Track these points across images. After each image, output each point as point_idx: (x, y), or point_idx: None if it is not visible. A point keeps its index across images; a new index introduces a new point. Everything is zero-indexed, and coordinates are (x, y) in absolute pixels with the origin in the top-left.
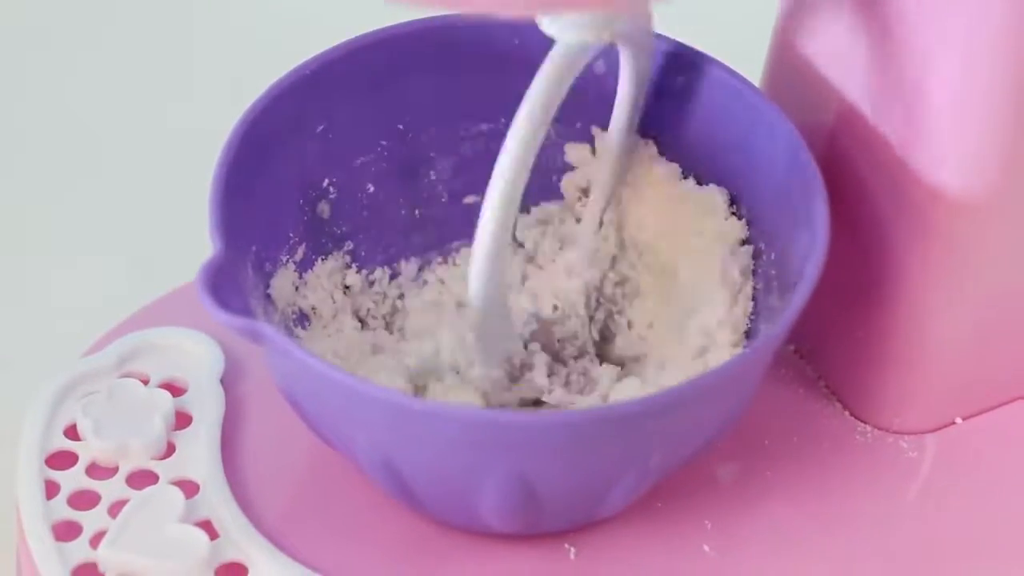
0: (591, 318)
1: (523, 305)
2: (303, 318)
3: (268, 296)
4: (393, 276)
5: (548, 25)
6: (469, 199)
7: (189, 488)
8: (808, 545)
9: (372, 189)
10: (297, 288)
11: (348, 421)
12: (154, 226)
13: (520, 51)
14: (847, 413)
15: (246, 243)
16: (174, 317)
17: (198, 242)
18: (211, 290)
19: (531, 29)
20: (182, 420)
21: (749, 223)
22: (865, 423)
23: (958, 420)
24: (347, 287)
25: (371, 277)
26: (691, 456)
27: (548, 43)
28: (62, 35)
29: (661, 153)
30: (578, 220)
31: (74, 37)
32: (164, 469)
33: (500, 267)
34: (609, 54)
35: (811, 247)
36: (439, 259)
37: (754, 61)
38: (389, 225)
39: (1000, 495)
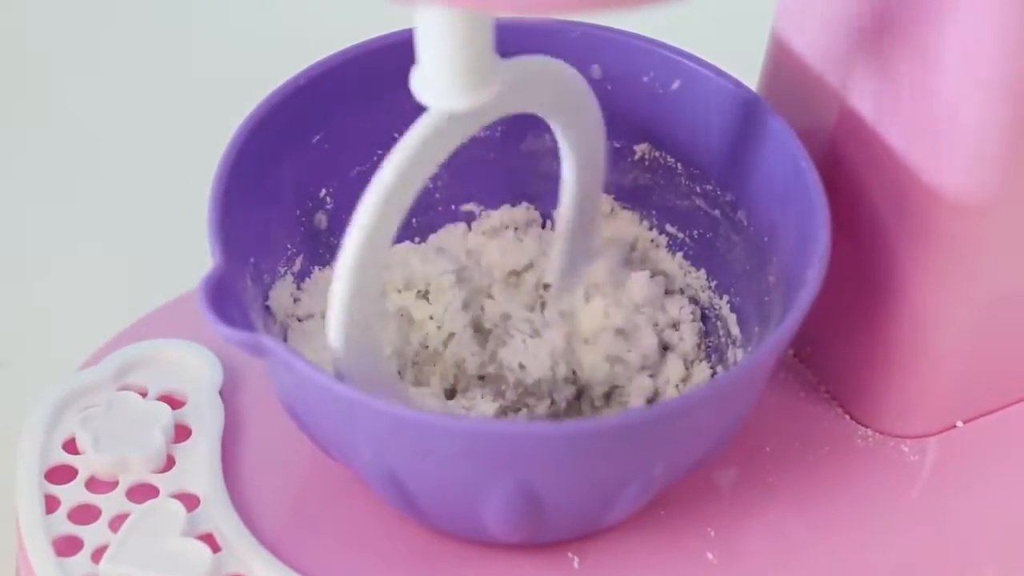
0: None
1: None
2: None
3: (267, 308)
4: None
5: (419, 92)
6: (466, 207)
7: (190, 501)
8: (811, 550)
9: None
10: (296, 299)
11: (351, 433)
12: (150, 236)
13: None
14: (848, 417)
15: (244, 255)
16: (171, 328)
17: (194, 252)
18: (212, 304)
19: (525, 35)
20: (181, 433)
21: (750, 225)
22: (866, 427)
23: (959, 423)
24: None
25: None
26: (695, 464)
27: (540, 48)
28: (61, 47)
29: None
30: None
31: (73, 51)
32: (164, 482)
33: (358, 314)
34: (608, 63)
35: (812, 253)
36: None
37: (751, 63)
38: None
39: (1002, 498)
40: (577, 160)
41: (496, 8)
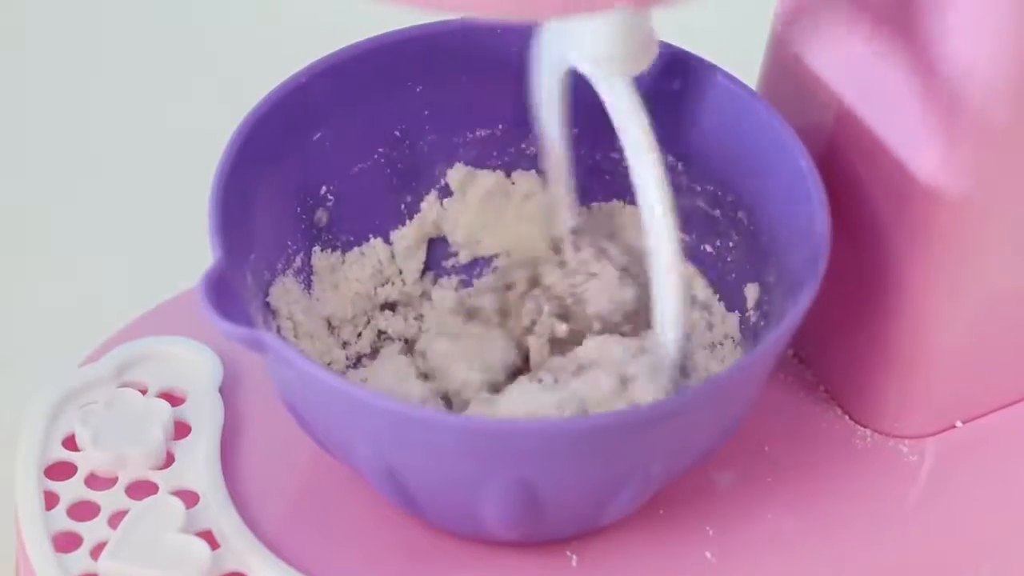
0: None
1: None
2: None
3: (267, 304)
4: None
5: (603, 65)
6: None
7: (189, 498)
8: (809, 550)
9: (370, 196)
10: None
11: (350, 430)
12: (150, 233)
13: (518, 57)
14: (847, 417)
15: (245, 252)
16: (171, 326)
17: (194, 249)
18: (213, 300)
19: (528, 33)
20: (181, 430)
21: (751, 225)
22: (865, 427)
23: (958, 423)
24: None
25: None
26: (693, 463)
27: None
28: (61, 46)
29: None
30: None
31: (73, 50)
32: (164, 479)
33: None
34: None
35: (812, 253)
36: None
37: (751, 63)
38: (387, 232)
39: (1001, 498)
40: None
41: (500, 13)
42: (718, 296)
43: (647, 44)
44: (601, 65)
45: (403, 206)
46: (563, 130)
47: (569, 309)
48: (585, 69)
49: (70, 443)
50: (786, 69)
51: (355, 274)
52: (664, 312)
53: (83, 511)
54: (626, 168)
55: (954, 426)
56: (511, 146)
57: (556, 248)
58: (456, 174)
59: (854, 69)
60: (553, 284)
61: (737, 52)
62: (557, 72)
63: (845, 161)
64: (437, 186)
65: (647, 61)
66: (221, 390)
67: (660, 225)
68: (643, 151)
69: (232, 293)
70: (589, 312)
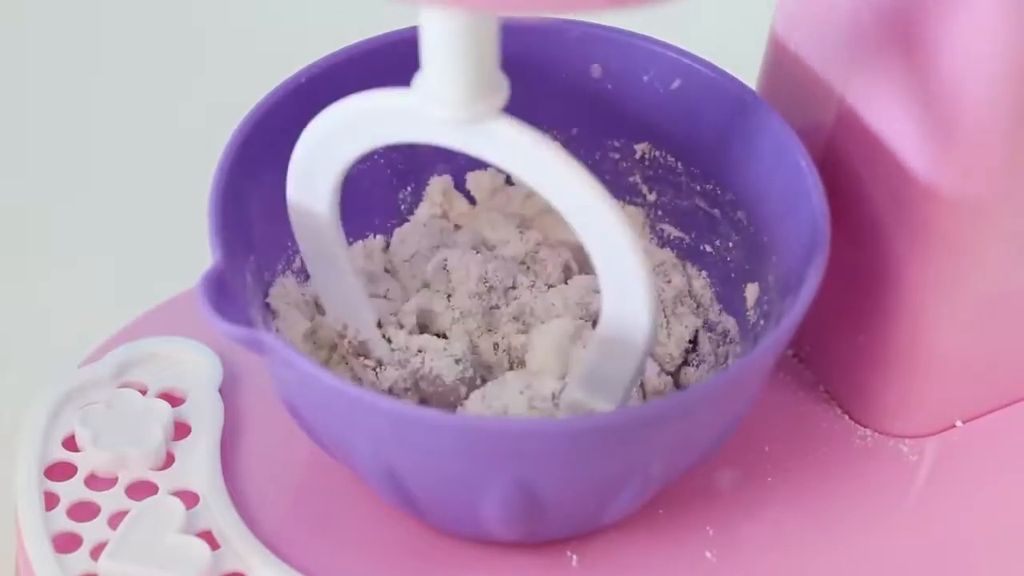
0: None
1: None
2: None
3: (267, 305)
4: None
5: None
6: None
7: (189, 498)
8: (810, 549)
9: (369, 197)
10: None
11: (349, 430)
12: (150, 234)
13: (514, 57)
14: (847, 417)
15: (244, 252)
16: (171, 326)
17: (194, 250)
18: (213, 301)
19: (524, 33)
20: (181, 430)
21: (750, 225)
22: (865, 427)
23: (958, 423)
24: None
25: None
26: (694, 463)
27: (540, 48)
28: (61, 47)
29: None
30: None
31: (72, 50)
32: (164, 479)
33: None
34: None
35: (812, 252)
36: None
37: (750, 63)
38: (386, 233)
39: (1000, 497)
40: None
41: (497, 8)
42: (717, 296)
43: (499, 76)
44: (467, 110)
45: (402, 207)
46: (338, 225)
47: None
48: (432, 133)
49: (70, 443)
50: (785, 69)
51: None
52: (636, 319)
53: (83, 511)
54: (626, 168)
55: (954, 426)
56: None
57: (363, 354)
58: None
59: (853, 70)
60: (395, 383)
61: (736, 52)
62: (342, 165)
63: (844, 161)
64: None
65: (505, 95)
66: (221, 390)
67: (621, 239)
68: (569, 174)
69: (232, 294)
70: (448, 383)
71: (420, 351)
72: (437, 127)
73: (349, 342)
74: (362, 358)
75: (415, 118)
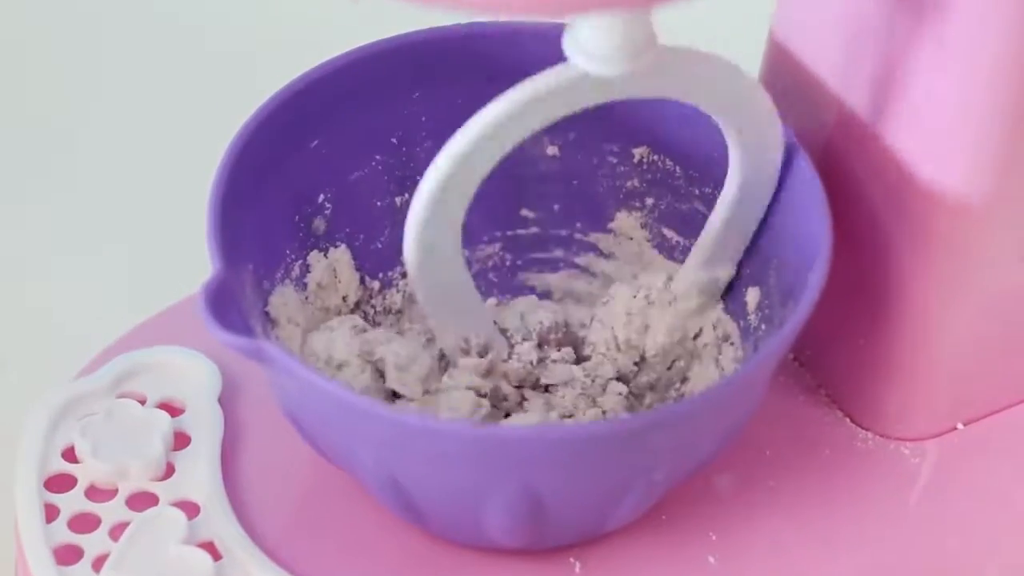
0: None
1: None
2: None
3: (267, 314)
4: (389, 289)
5: (569, 49)
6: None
7: (190, 509)
8: (812, 553)
9: (367, 204)
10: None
11: (353, 438)
12: (146, 243)
13: (514, 63)
14: (848, 420)
15: (244, 261)
16: (169, 336)
17: (191, 259)
18: (213, 310)
19: (525, 40)
20: (181, 440)
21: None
22: (866, 430)
23: (959, 425)
24: (344, 299)
25: (368, 291)
26: (696, 468)
27: (537, 51)
28: (61, 49)
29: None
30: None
31: (72, 56)
32: (164, 490)
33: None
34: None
35: (814, 257)
36: None
37: (749, 65)
38: (384, 240)
39: (1003, 499)
40: (743, 161)
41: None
42: (718, 299)
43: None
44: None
45: (398, 215)
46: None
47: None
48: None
49: (69, 455)
50: (784, 72)
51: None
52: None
53: (84, 523)
54: (624, 172)
55: (955, 428)
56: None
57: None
58: None
59: (853, 72)
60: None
61: (735, 54)
62: (467, 199)
63: (844, 164)
64: None
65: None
66: (220, 400)
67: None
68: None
69: (232, 303)
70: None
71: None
72: (600, 88)
73: (479, 354)
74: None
75: (575, 90)
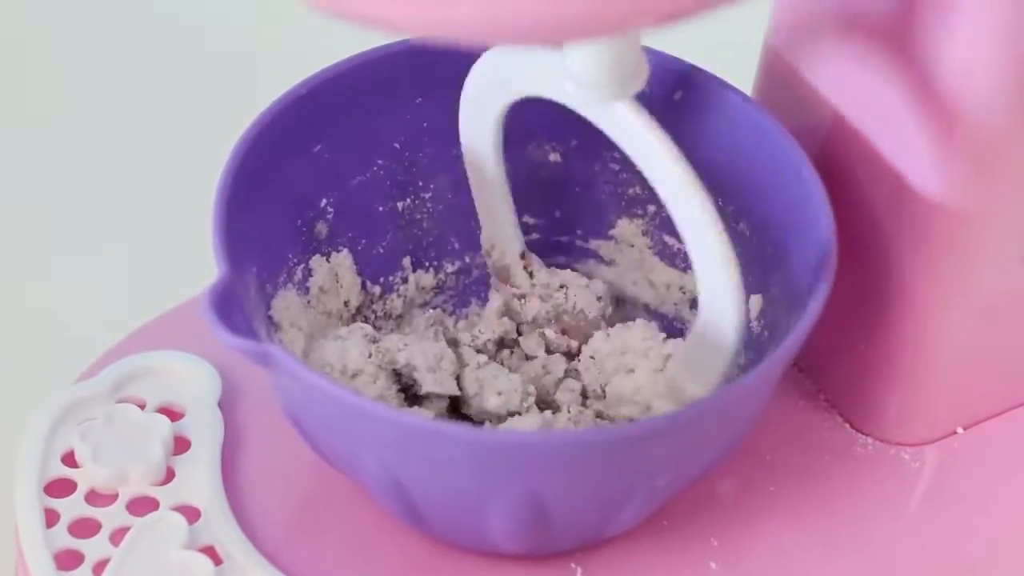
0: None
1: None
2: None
3: (270, 318)
4: (389, 294)
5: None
6: None
7: (190, 513)
8: (813, 557)
9: (369, 209)
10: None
11: (356, 442)
12: (147, 247)
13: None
14: (848, 426)
15: (247, 265)
16: (168, 340)
17: (191, 263)
18: (219, 314)
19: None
20: (181, 445)
21: (753, 238)
22: (866, 435)
23: (959, 430)
24: (345, 304)
25: (369, 296)
26: (698, 475)
27: None
28: (63, 52)
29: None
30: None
31: (74, 59)
32: (164, 495)
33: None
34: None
35: (818, 265)
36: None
37: (744, 71)
38: (386, 244)
39: (1003, 504)
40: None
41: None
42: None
43: (640, 63)
44: (599, 91)
45: (401, 220)
46: (499, 157)
47: (567, 324)
48: (572, 99)
49: (69, 459)
50: (780, 80)
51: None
52: (724, 303)
53: (84, 528)
54: (626, 179)
55: (955, 432)
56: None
57: (504, 278)
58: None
59: (849, 79)
60: (538, 314)
61: (730, 60)
62: (502, 104)
63: (842, 171)
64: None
65: (642, 80)
66: (220, 404)
67: (708, 226)
68: (671, 163)
69: (236, 307)
70: (591, 318)
71: (563, 286)
72: (575, 96)
73: (495, 263)
74: (506, 284)
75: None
